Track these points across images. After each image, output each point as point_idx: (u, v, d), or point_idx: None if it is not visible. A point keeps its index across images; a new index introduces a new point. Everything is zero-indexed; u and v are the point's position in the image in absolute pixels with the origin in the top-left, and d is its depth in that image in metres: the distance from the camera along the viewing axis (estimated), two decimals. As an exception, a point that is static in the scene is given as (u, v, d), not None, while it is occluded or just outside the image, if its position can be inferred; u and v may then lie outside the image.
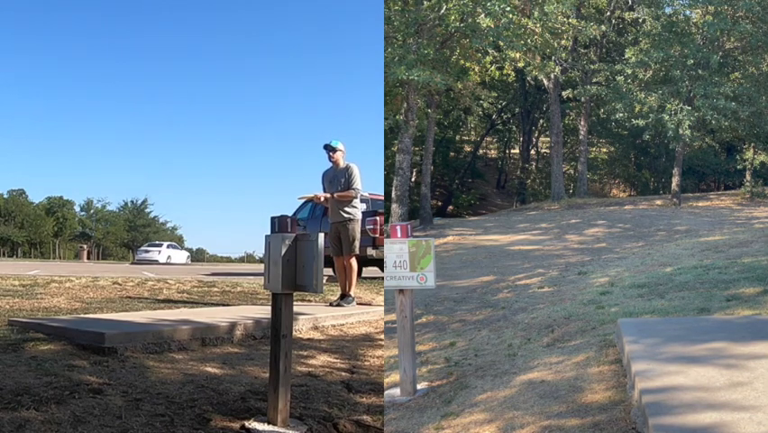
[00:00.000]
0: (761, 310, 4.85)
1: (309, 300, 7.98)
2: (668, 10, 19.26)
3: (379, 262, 11.00)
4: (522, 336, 5.41)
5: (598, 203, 20.04)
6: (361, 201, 13.81)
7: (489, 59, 21.13)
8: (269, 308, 3.27)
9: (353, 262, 7.26)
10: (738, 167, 22.23)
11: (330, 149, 7.13)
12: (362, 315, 6.78)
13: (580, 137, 23.26)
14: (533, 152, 31.98)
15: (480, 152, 33.47)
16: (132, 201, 66.15)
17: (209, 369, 4.17)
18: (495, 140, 34.18)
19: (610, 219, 15.94)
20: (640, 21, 19.99)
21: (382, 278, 7.83)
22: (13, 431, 2.75)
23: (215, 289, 9.41)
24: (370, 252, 11.71)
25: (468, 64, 20.08)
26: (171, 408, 3.22)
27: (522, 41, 16.35)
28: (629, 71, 18.42)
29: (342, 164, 7.15)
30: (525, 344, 5.15)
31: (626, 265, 8.77)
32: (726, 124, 18.20)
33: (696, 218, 15.16)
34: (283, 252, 3.11)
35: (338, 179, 7.06)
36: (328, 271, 12.66)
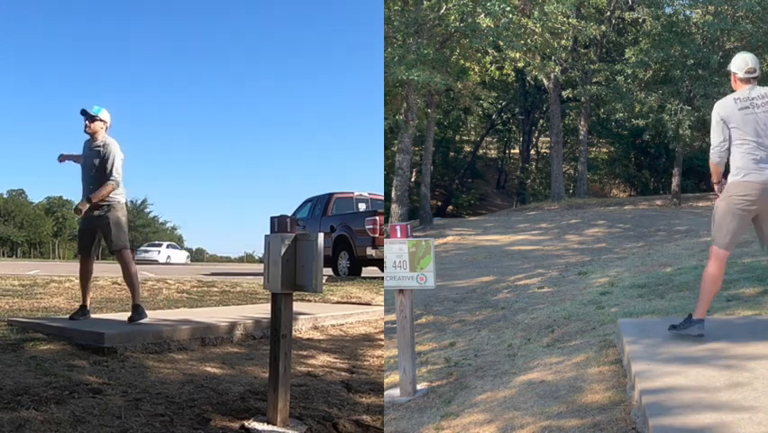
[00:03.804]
0: (761, 310, 4.85)
1: (309, 300, 7.98)
2: (668, 10, 19.24)
3: (379, 262, 10.99)
4: (522, 337, 5.40)
5: (598, 203, 20.03)
6: (361, 201, 13.90)
7: (488, 59, 21.15)
8: (269, 307, 3.27)
9: (128, 257, 5.49)
10: (738, 167, 22.21)
11: (87, 116, 5.45)
12: (362, 315, 6.79)
13: (580, 137, 23.26)
14: (533, 152, 31.99)
15: (480, 151, 33.48)
16: (131, 201, 66.19)
17: (209, 369, 4.17)
18: (495, 140, 34.19)
19: (610, 219, 15.93)
20: (640, 21, 19.97)
21: (382, 278, 7.81)
22: (13, 431, 2.75)
23: (215, 289, 9.41)
24: (370, 252, 11.70)
25: (468, 64, 20.10)
26: (171, 408, 3.22)
27: (522, 41, 16.36)
28: (629, 71, 18.40)
29: (100, 138, 5.46)
30: (525, 344, 5.14)
31: (626, 265, 8.76)
32: (727, 124, 18.19)
33: (696, 218, 15.15)
34: (282, 252, 3.11)
35: (92, 158, 5.43)
36: (327, 271, 12.66)
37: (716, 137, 3.99)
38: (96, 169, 5.36)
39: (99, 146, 5.40)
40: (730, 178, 3.96)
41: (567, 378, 3.97)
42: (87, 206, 5.32)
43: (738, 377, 3.23)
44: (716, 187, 4.28)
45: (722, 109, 3.95)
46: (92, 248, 5.55)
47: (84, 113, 5.43)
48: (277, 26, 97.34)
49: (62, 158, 5.69)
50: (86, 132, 5.46)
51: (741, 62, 4.03)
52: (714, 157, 4.03)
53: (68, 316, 5.50)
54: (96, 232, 5.47)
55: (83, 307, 5.49)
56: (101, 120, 5.44)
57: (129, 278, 5.42)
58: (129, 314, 5.29)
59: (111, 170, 5.32)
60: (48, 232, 62.21)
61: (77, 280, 9.42)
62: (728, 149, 3.95)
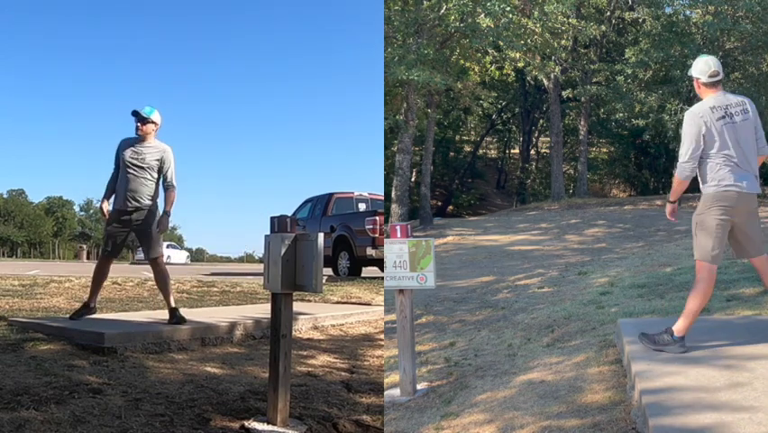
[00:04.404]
0: (761, 310, 4.85)
1: (309, 300, 7.98)
2: (668, 10, 19.25)
3: (379, 262, 10.99)
4: (522, 336, 5.40)
5: (598, 203, 20.03)
6: (361, 201, 13.89)
7: (488, 59, 21.16)
8: (269, 307, 3.27)
9: (163, 263, 5.46)
10: (738, 167, 22.24)
11: (139, 117, 5.30)
12: (362, 315, 6.79)
13: (580, 137, 23.27)
14: (533, 152, 32.00)
15: (480, 151, 33.49)
16: (131, 201, 66.23)
17: (209, 369, 4.17)
18: (495, 140, 34.22)
19: (610, 219, 15.93)
20: (640, 21, 19.98)
21: (382, 278, 7.80)
22: (13, 431, 2.75)
23: (215, 289, 9.40)
24: (370, 252, 11.70)
25: (468, 64, 20.11)
26: (171, 408, 3.22)
27: (522, 41, 16.36)
28: (629, 71, 18.42)
29: (151, 141, 5.37)
30: (525, 344, 5.14)
31: (626, 265, 8.77)
32: (727, 124, 18.20)
33: (696, 218, 15.12)
34: (282, 252, 3.11)
35: (140, 160, 5.29)
36: (327, 271, 12.66)
37: (689, 147, 3.74)
38: (144, 171, 5.28)
39: (153, 150, 5.32)
40: (707, 189, 3.76)
41: (567, 378, 3.97)
42: (168, 219, 5.32)
43: (738, 377, 3.23)
44: (670, 208, 4.03)
45: (699, 118, 3.73)
46: (119, 250, 5.48)
47: (135, 114, 5.32)
48: (277, 26, 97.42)
49: (106, 211, 5.48)
50: (137, 134, 5.33)
51: (703, 66, 3.83)
52: (685, 171, 3.79)
53: (68, 316, 5.49)
54: (129, 235, 5.42)
55: (86, 305, 5.42)
56: (153, 122, 5.35)
57: (165, 283, 5.39)
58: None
59: (172, 177, 5.35)
60: (48, 232, 62.25)
61: (77, 280, 9.43)
62: (695, 162, 3.75)
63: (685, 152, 3.76)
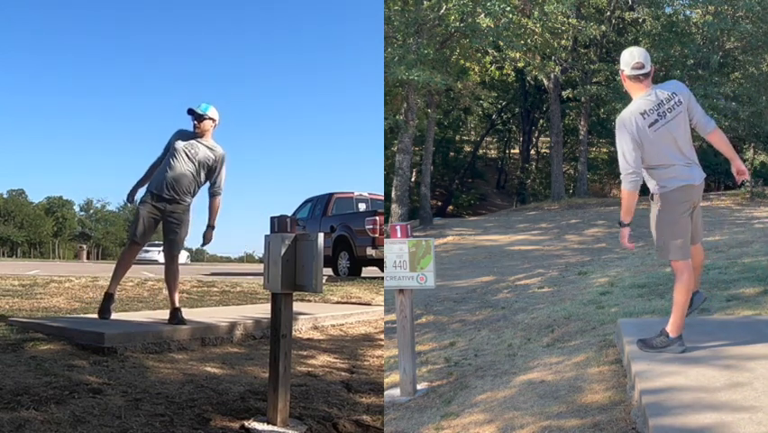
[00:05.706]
0: (761, 310, 4.85)
1: (309, 300, 7.99)
2: (668, 10, 19.28)
3: (379, 262, 10.99)
4: (522, 336, 5.40)
5: (598, 203, 20.03)
6: (361, 201, 13.89)
7: (488, 59, 21.19)
8: (269, 307, 3.27)
9: (178, 261, 5.40)
10: (738, 167, 22.25)
11: (195, 115, 5.19)
12: (362, 315, 6.79)
13: (580, 137, 23.28)
14: (533, 152, 32.02)
15: (480, 151, 33.52)
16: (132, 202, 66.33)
17: (209, 369, 4.17)
18: (495, 140, 34.26)
19: (610, 219, 15.92)
20: (640, 21, 19.99)
21: (382, 278, 7.80)
22: (13, 431, 2.75)
23: (215, 289, 9.40)
24: (370, 252, 11.70)
25: (468, 64, 20.14)
26: (171, 408, 3.22)
27: (522, 41, 16.39)
28: (629, 71, 18.42)
29: (210, 140, 5.28)
30: (525, 344, 5.14)
31: (626, 265, 8.77)
32: (727, 124, 18.22)
33: (696, 218, 15.10)
34: (282, 252, 3.11)
35: (197, 156, 5.18)
36: (327, 271, 12.66)
37: (630, 157, 3.54)
38: (192, 163, 5.16)
39: (208, 149, 5.21)
40: (659, 190, 3.66)
41: (567, 378, 3.97)
42: (213, 234, 5.21)
43: (738, 377, 3.23)
44: (625, 232, 3.78)
45: (630, 127, 3.52)
46: (148, 237, 5.28)
47: (191, 112, 5.18)
48: (277, 26, 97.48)
49: (132, 197, 5.41)
50: (195, 132, 5.22)
51: (627, 57, 3.58)
52: (634, 181, 3.59)
53: (68, 315, 5.49)
54: (159, 223, 5.26)
55: (109, 295, 5.29)
56: (210, 118, 5.21)
57: (175, 280, 5.28)
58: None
59: (220, 184, 5.24)
60: (48, 232, 62.26)
61: (77, 280, 9.42)
62: (641, 169, 3.62)
63: (628, 163, 3.56)
